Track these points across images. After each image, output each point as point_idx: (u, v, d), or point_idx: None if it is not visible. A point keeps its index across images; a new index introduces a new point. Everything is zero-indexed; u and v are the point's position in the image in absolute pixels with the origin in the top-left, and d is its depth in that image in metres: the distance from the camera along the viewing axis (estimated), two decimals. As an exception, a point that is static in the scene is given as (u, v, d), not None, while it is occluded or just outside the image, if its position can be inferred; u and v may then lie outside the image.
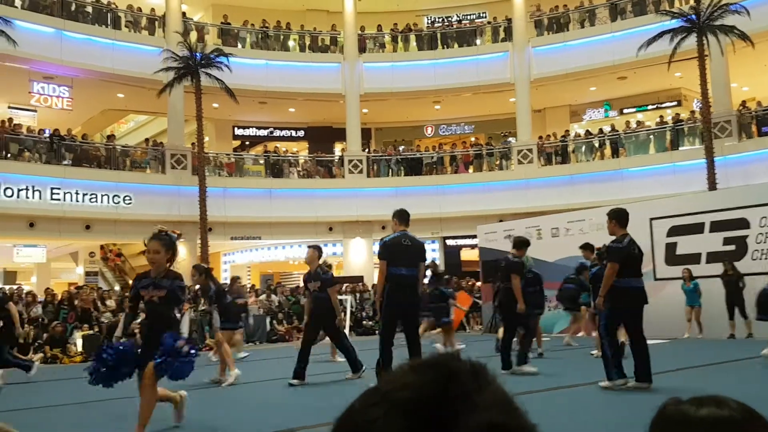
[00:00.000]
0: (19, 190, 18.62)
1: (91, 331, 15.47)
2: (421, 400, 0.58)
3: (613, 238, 7.32)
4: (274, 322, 18.90)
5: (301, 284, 23.38)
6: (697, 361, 9.35)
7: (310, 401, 7.20)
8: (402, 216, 7.30)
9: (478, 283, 19.45)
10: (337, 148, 26.51)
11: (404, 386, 0.59)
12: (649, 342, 6.99)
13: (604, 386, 6.93)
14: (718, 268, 13.11)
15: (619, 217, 7.38)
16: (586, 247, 11.26)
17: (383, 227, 23.37)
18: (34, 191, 18.87)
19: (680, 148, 21.21)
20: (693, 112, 22.62)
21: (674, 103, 25.39)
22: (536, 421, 0.62)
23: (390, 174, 24.02)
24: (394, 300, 6.95)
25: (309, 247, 8.97)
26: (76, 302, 16.12)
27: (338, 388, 8.06)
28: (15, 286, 18.98)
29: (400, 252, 7.02)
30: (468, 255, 23.88)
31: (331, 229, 23.22)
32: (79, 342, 15.04)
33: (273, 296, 19.74)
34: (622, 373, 6.93)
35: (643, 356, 6.81)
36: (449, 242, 24.26)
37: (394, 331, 7.14)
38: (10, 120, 20.43)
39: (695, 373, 8.41)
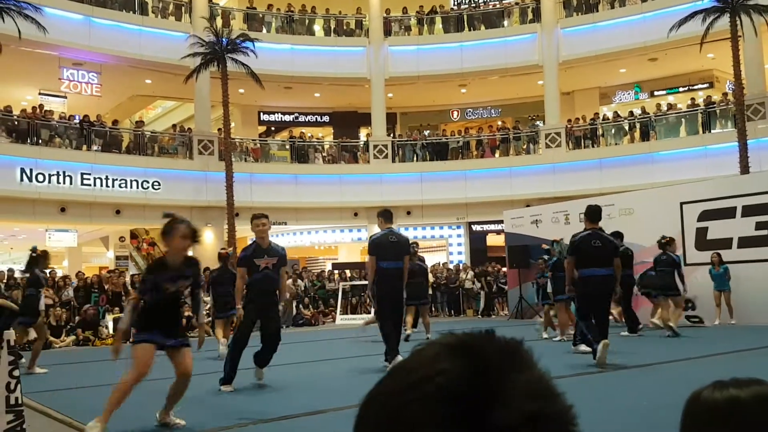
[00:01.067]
0: (50, 176, 18.94)
1: (121, 314, 15.73)
2: (457, 387, 0.56)
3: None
4: (300, 306, 19.04)
5: (329, 269, 23.56)
6: (732, 346, 9.19)
7: (337, 384, 7.25)
8: (386, 215, 8.16)
9: (504, 269, 19.34)
10: (362, 133, 26.46)
11: (440, 372, 0.57)
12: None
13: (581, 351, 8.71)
14: (749, 253, 12.85)
15: (588, 213, 8.16)
16: (616, 236, 11.05)
17: (408, 212, 23.37)
18: (65, 177, 19.19)
19: (712, 131, 20.77)
20: (725, 94, 22.10)
21: (706, 85, 24.85)
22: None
23: (415, 159, 23.93)
24: (384, 290, 7.90)
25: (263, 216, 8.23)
26: (106, 286, 16.41)
27: (367, 371, 8.08)
28: (48, 270, 19.34)
29: (387, 248, 7.91)
30: (494, 240, 23.75)
31: (356, 214, 23.24)
32: (111, 325, 15.32)
33: (299, 281, 19.88)
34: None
35: (602, 327, 7.83)
36: (475, 227, 24.14)
37: (388, 317, 7.98)
38: (41, 106, 20.75)
39: (730, 358, 8.27)
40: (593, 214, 8.04)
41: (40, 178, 18.82)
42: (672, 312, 11.44)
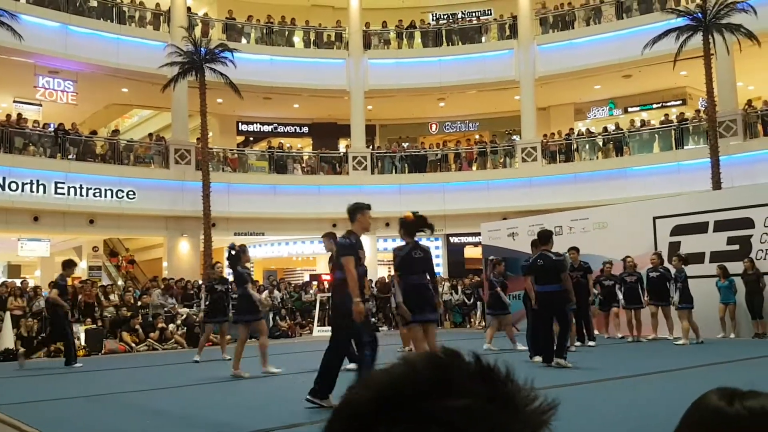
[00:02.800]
0: (23, 184, 18.67)
1: (93, 326, 15.52)
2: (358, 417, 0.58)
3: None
4: (278, 318, 18.93)
5: (306, 279, 23.46)
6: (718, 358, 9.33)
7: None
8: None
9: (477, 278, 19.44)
10: (342, 144, 26.50)
11: (405, 383, 0.59)
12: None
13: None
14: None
15: (539, 237, 9.29)
16: (574, 250, 11.96)
17: (387, 224, 23.36)
18: (38, 185, 18.92)
19: (685, 147, 21.15)
20: (698, 111, 22.55)
21: (679, 101, 25.32)
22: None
23: (394, 171, 24.02)
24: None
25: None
26: (80, 296, 16.17)
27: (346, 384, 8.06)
28: (19, 280, 19.01)
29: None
30: (471, 252, 23.87)
31: (334, 225, 23.06)
32: (82, 336, 15.08)
33: (276, 292, 19.77)
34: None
35: (562, 338, 8.87)
36: (453, 239, 24.25)
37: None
38: (19, 115, 20.48)
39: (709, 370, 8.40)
40: (542, 237, 9.21)
41: (14, 186, 18.53)
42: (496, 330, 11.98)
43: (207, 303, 12.56)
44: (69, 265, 12.46)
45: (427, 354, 0.61)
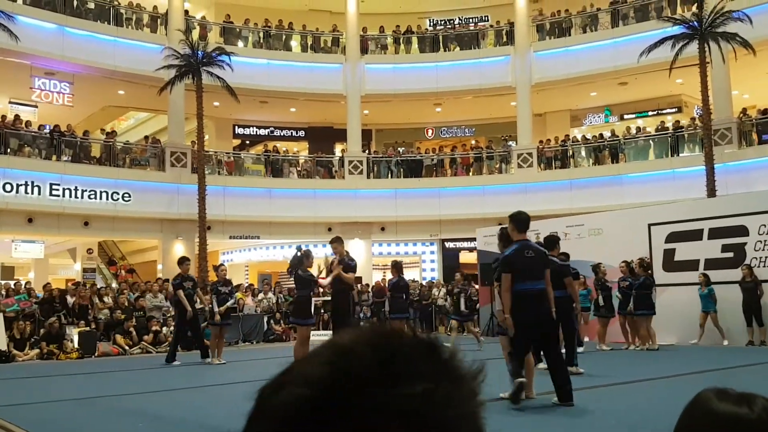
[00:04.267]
0: (18, 186, 18.60)
1: (87, 328, 15.45)
2: (302, 408, 0.51)
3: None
4: (272, 321, 18.89)
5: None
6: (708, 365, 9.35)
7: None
8: (520, 222, 6.60)
9: (476, 286, 19.42)
10: (338, 148, 26.50)
11: (303, 377, 0.52)
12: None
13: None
14: (716, 275, 13.08)
15: (545, 242, 8.20)
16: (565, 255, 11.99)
17: (382, 228, 23.41)
18: (33, 187, 18.85)
19: (680, 155, 21.22)
20: (693, 118, 22.63)
21: (675, 109, 25.41)
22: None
23: (390, 175, 24.02)
24: (523, 316, 6.34)
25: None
26: (72, 299, 16.10)
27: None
28: (13, 282, 18.93)
29: (524, 264, 6.41)
30: (466, 258, 23.87)
31: (330, 229, 23.19)
32: (75, 338, 15.02)
33: (270, 295, 19.74)
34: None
35: (569, 345, 8.54)
36: (448, 245, 24.25)
37: (529, 345, 6.65)
38: (16, 116, 20.41)
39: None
40: (549, 242, 8.73)
41: (8, 187, 18.46)
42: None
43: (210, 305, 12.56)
44: (182, 262, 12.69)
45: (358, 335, 0.54)
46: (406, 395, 0.50)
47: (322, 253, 24.66)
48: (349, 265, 9.49)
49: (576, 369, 8.64)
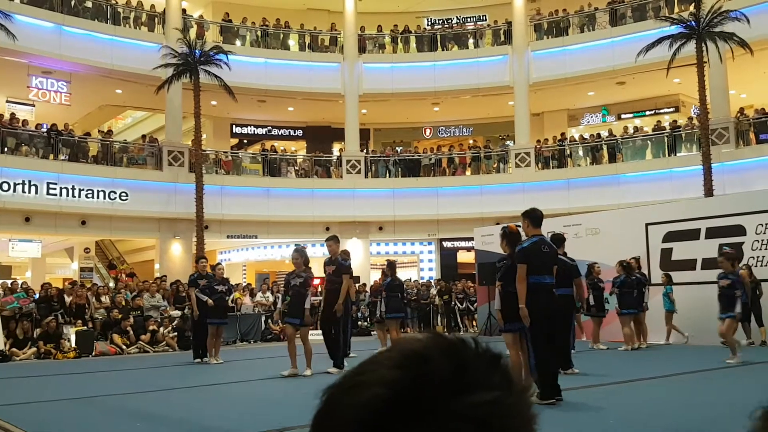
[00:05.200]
0: (15, 185, 18.56)
1: (84, 327, 15.42)
2: (383, 405, 0.53)
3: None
4: (269, 321, 18.87)
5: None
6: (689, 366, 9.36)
7: (308, 399, 7.18)
8: (535, 218, 6.71)
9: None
10: (336, 148, 26.50)
11: (379, 381, 0.54)
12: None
13: None
14: (713, 274, 13.06)
15: (552, 240, 7.43)
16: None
17: (380, 228, 23.41)
18: (30, 186, 18.82)
19: (677, 155, 21.25)
20: (691, 118, 22.67)
21: (672, 109, 25.45)
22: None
23: (388, 175, 24.02)
24: (536, 308, 6.41)
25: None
26: (70, 298, 16.07)
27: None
28: (10, 281, 18.88)
29: (540, 258, 6.52)
30: (464, 257, 23.89)
31: (328, 228, 23.17)
32: (73, 337, 14.99)
33: (268, 294, 19.71)
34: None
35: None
36: (445, 244, 24.26)
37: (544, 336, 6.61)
38: (12, 115, 20.36)
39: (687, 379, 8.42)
40: (555, 241, 8.36)
41: (5, 186, 18.43)
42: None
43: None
44: (198, 260, 12.85)
45: (435, 342, 0.57)
46: (477, 403, 0.53)
47: (320, 253, 24.76)
48: (342, 264, 9.53)
49: (572, 370, 8.64)
